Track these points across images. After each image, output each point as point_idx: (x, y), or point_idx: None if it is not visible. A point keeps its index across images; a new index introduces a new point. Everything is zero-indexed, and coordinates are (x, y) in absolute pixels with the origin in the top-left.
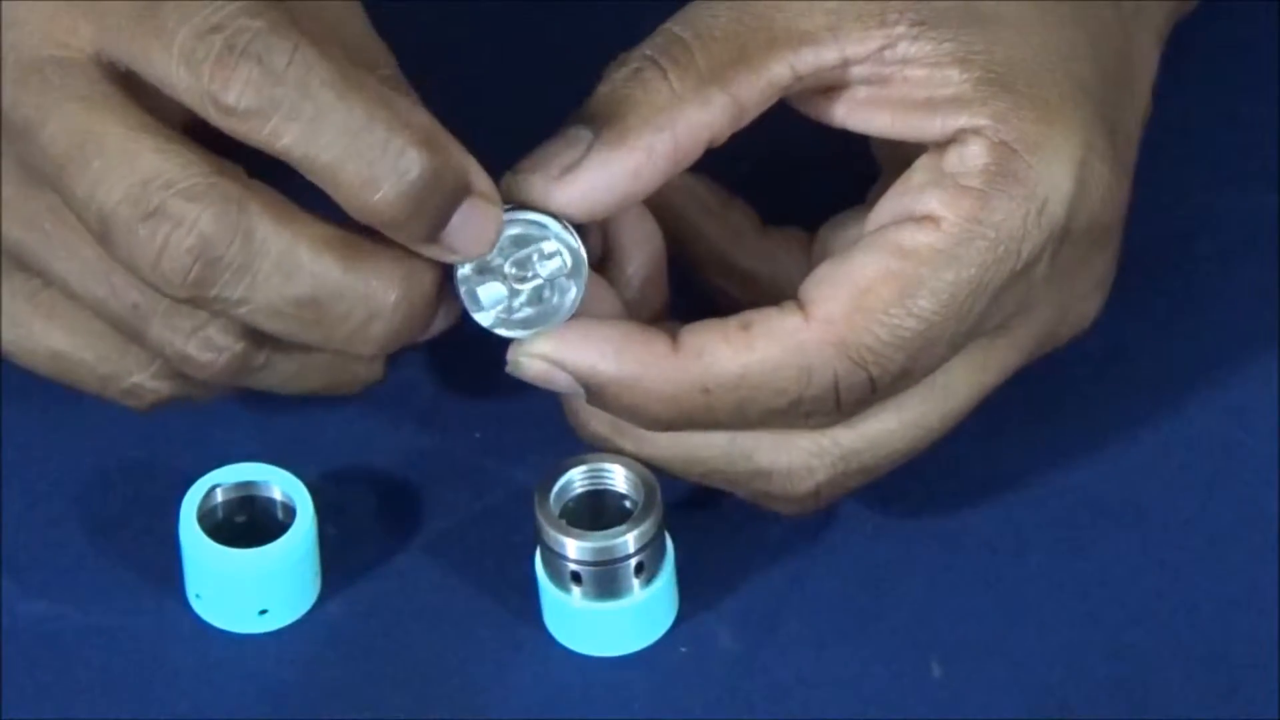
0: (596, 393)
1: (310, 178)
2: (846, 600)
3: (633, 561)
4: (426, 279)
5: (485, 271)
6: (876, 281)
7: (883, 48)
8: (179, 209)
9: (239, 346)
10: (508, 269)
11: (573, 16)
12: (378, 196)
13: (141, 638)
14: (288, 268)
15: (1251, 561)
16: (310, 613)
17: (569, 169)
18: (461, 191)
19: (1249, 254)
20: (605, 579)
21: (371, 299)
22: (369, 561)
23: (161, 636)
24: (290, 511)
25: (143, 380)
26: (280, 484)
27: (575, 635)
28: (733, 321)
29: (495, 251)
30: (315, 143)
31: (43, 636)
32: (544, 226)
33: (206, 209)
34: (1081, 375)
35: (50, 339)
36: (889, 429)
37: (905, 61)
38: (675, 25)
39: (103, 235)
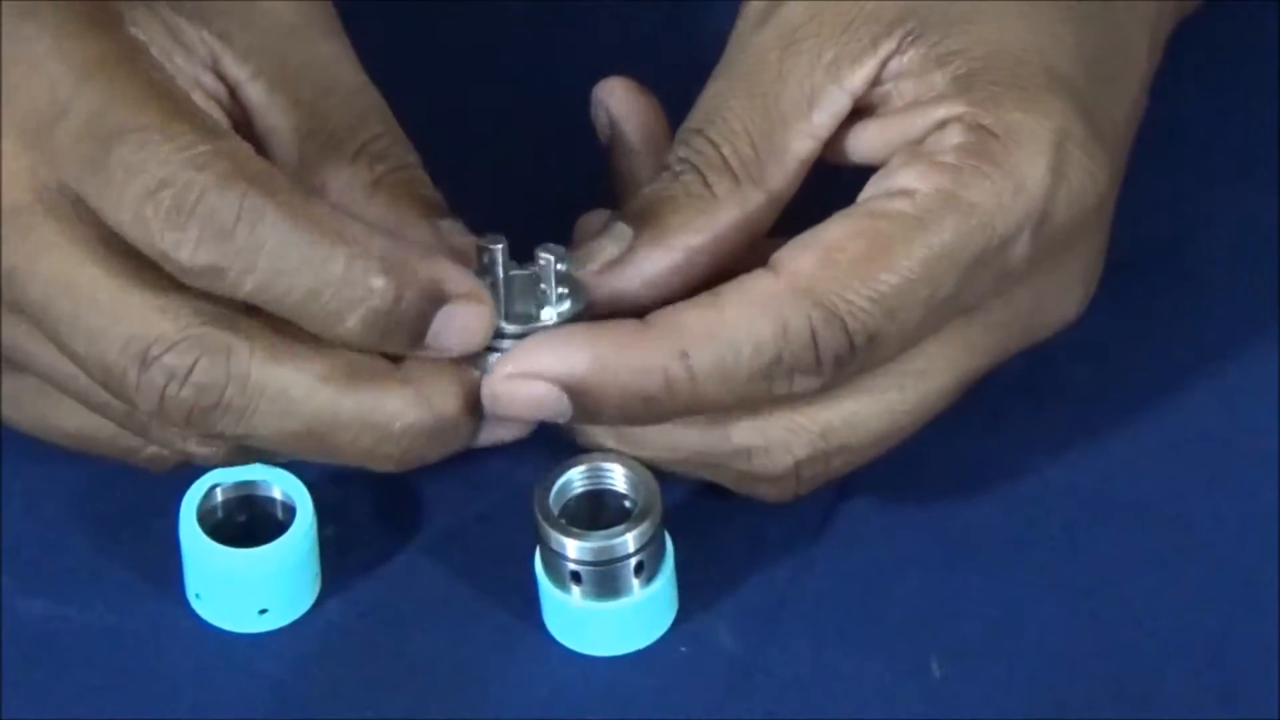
0: (581, 392)
1: (280, 315)
2: (846, 600)
3: (633, 561)
4: (439, 403)
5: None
6: (847, 240)
7: (879, 69)
8: (174, 363)
9: (233, 443)
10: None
11: (572, 17)
12: (344, 328)
13: (141, 638)
14: (283, 406)
15: (1251, 561)
16: (310, 613)
17: (610, 265)
18: (433, 303)
19: (1249, 254)
20: (605, 579)
21: (377, 427)
22: (369, 561)
23: (161, 636)
24: (290, 511)
25: (157, 450)
26: (280, 484)
27: (575, 635)
28: (701, 294)
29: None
30: (273, 289)
31: (43, 636)
32: (557, 272)
33: (200, 360)
34: (1081, 374)
35: (64, 423)
36: (865, 408)
37: (899, 76)
38: (697, 124)
39: (105, 384)
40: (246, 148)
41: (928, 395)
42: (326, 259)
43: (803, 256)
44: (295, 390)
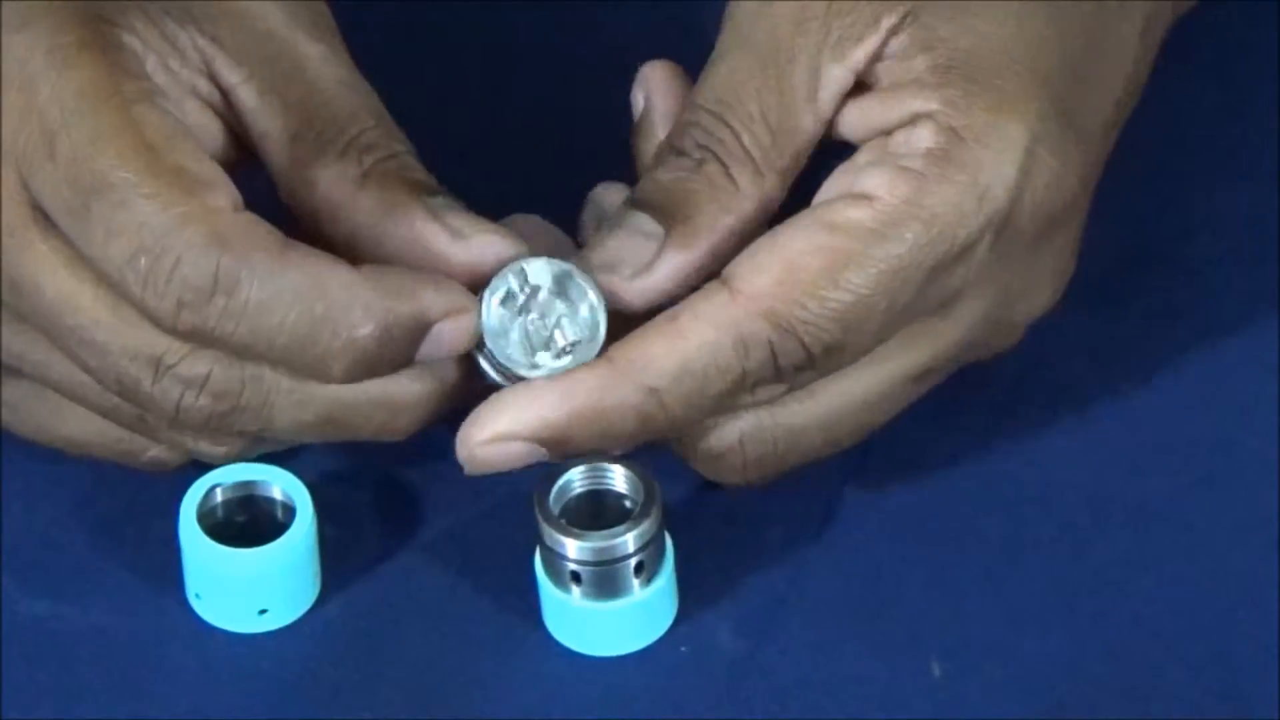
0: (559, 442)
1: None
2: (846, 600)
3: (633, 561)
4: (444, 371)
5: (510, 308)
6: (804, 255)
7: (882, 45)
8: (188, 372)
9: (246, 437)
10: (532, 317)
11: (571, 14)
12: (333, 375)
13: (141, 638)
14: (298, 399)
15: (1251, 561)
16: (310, 613)
17: (641, 271)
18: (417, 332)
19: (1249, 254)
20: (605, 579)
21: (390, 404)
22: (369, 561)
23: (161, 636)
24: (290, 511)
25: (159, 454)
26: (280, 484)
27: (575, 635)
28: (660, 318)
29: (530, 294)
30: (257, 346)
31: (43, 636)
32: (580, 288)
33: (214, 367)
34: (1081, 375)
35: (64, 429)
36: (810, 394)
37: (894, 56)
38: (713, 104)
39: (118, 392)
40: (225, 201)
41: (880, 384)
42: (306, 318)
43: (760, 273)
44: (309, 384)
